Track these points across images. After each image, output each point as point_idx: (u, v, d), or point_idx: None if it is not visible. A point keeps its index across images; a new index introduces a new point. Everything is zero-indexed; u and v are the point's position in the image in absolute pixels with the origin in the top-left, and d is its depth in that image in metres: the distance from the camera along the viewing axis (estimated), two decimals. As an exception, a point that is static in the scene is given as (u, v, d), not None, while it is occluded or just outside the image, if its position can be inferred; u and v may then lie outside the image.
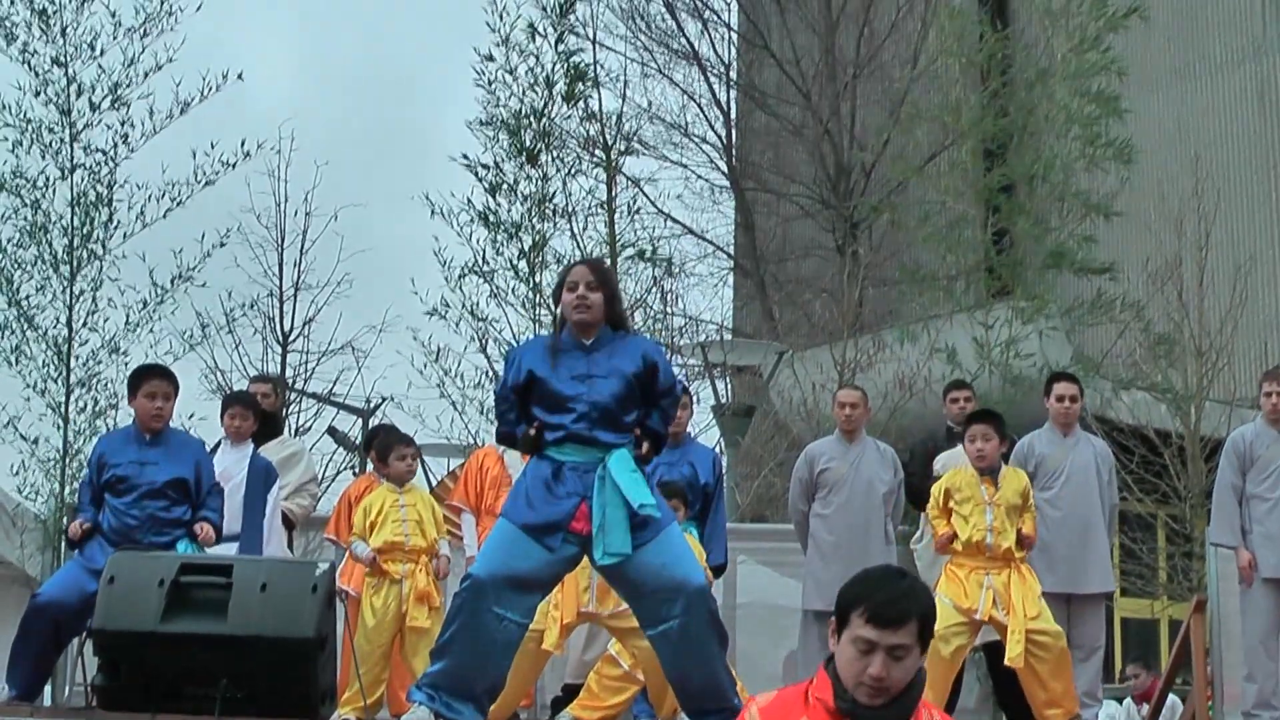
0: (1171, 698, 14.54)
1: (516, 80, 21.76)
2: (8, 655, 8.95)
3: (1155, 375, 21.40)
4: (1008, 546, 9.59)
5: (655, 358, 7.78)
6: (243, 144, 18.73)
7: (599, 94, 23.58)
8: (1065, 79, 21.13)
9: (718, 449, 18.34)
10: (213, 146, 18.44)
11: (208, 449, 10.16)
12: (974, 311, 20.95)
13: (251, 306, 21.26)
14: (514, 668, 7.90)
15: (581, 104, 22.55)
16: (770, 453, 23.51)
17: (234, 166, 18.76)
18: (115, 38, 17.98)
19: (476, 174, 21.54)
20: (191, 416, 16.91)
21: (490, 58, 21.90)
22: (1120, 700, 17.84)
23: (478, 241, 21.38)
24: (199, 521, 9.17)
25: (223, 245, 18.83)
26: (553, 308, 8.21)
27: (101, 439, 9.96)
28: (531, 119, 21.55)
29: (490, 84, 21.82)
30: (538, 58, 21.80)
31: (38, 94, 17.82)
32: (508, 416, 7.73)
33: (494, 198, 21.37)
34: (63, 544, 13.36)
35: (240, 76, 18.68)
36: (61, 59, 17.83)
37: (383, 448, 10.72)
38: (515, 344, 20.68)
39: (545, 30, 21.96)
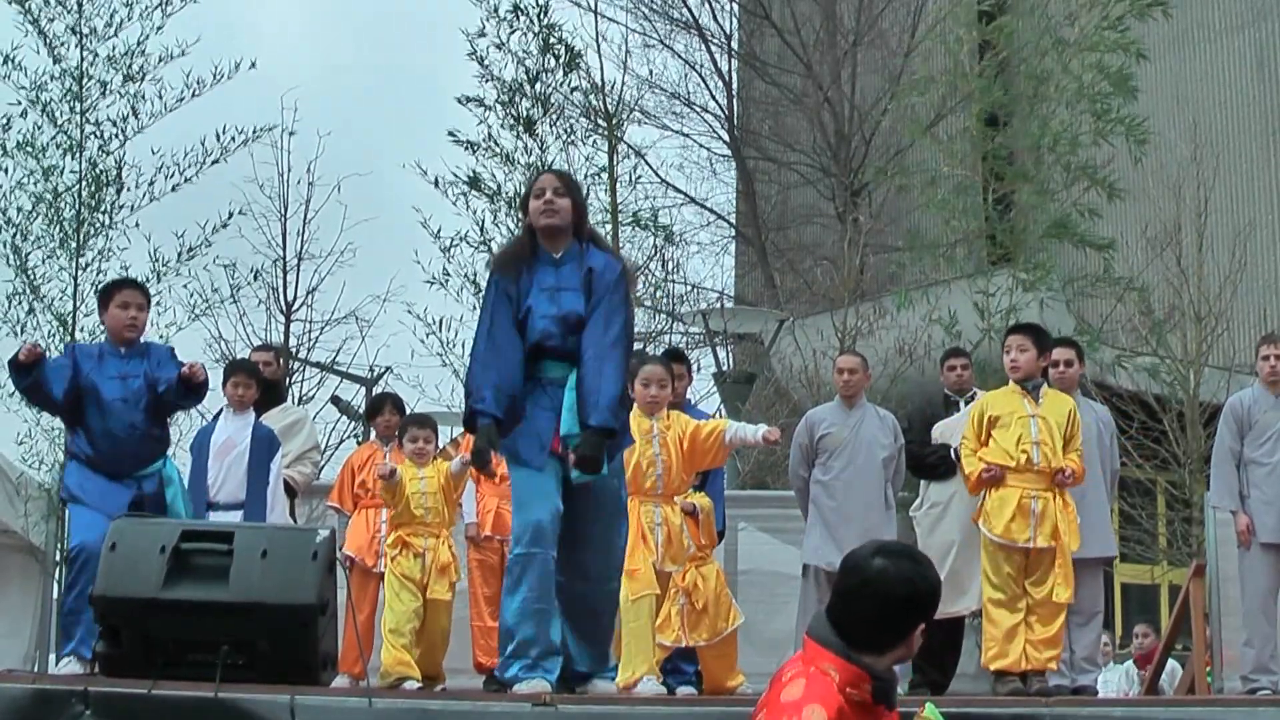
0: (1171, 662, 14.58)
1: (509, 53, 21.84)
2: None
3: (1155, 345, 21.40)
4: (1056, 466, 9.62)
5: (596, 271, 7.85)
6: (237, 132, 18.87)
7: (600, 63, 23.58)
8: (1082, 51, 21.03)
9: (717, 416, 18.35)
10: (223, 131, 18.70)
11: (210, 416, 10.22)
12: (975, 278, 20.92)
13: (256, 277, 21.35)
14: None
15: (578, 72, 22.56)
16: (771, 420, 23.41)
17: (249, 142, 19.07)
18: (130, 18, 18.13)
19: (469, 148, 21.60)
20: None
21: (482, 33, 21.96)
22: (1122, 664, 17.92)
23: (475, 212, 21.43)
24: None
25: (224, 226, 19.01)
26: (521, 218, 8.27)
27: (75, 345, 9.97)
28: (526, 88, 21.58)
29: (482, 61, 21.90)
30: (526, 30, 21.86)
31: (56, 60, 17.92)
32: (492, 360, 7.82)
33: (490, 171, 21.45)
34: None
35: (253, 65, 18.95)
36: (77, 29, 17.94)
37: (401, 427, 10.82)
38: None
39: (528, 7, 22.03)
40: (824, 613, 4.65)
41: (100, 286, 9.94)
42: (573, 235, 7.93)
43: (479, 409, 7.78)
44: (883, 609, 4.53)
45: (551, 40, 22.04)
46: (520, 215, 8.30)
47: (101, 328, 9.83)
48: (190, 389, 9.22)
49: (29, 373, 9.04)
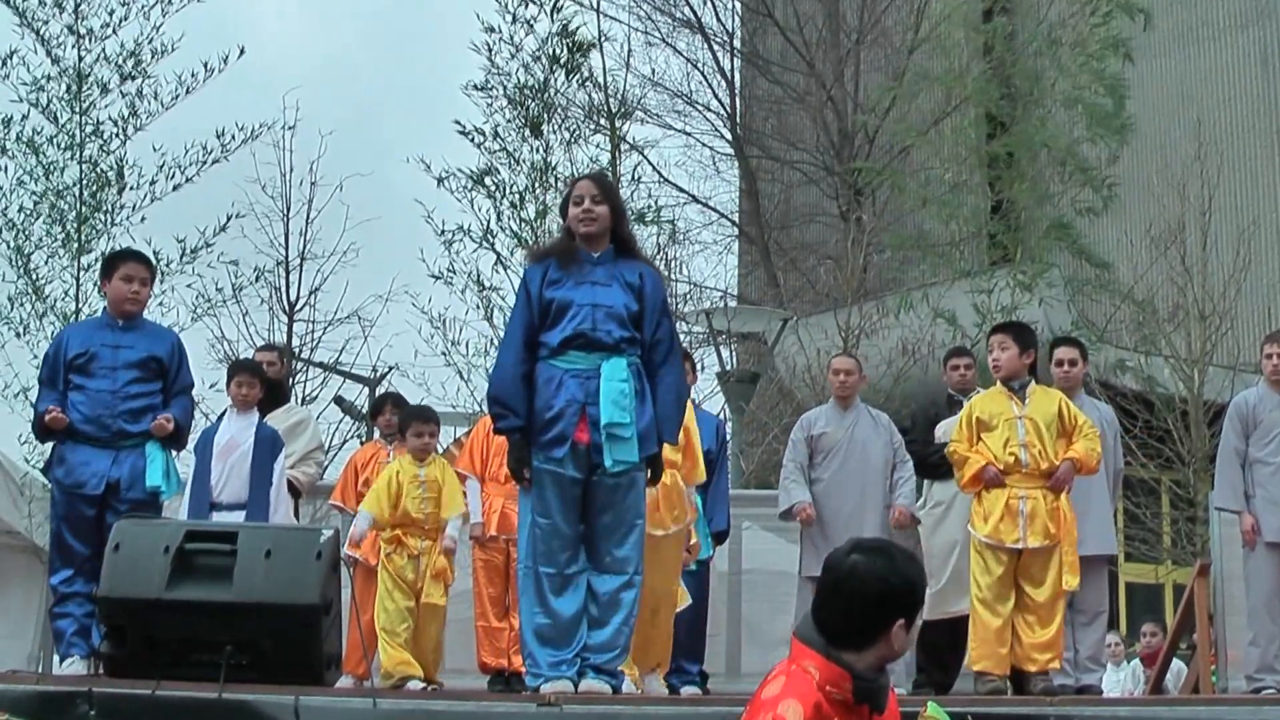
0: (1176, 662, 14.56)
1: (519, 52, 21.81)
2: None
3: (1161, 346, 21.42)
4: (1046, 467, 9.58)
5: (646, 281, 7.96)
6: (238, 130, 18.90)
7: (603, 61, 23.55)
8: (1074, 48, 21.03)
9: (722, 415, 18.36)
10: (223, 131, 18.74)
11: (214, 418, 10.19)
12: (975, 278, 20.92)
13: (259, 277, 21.35)
14: None
15: (583, 73, 22.54)
16: (775, 419, 23.50)
17: (249, 140, 19.13)
18: (127, 18, 18.18)
19: (474, 140, 21.60)
20: (212, 387, 16.93)
21: (493, 29, 21.93)
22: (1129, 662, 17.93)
23: (480, 210, 21.41)
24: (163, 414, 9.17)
25: (224, 230, 19.06)
26: (561, 223, 8.32)
27: (68, 327, 9.90)
28: (533, 90, 21.56)
29: (491, 54, 21.88)
30: (537, 32, 21.83)
31: (55, 62, 17.96)
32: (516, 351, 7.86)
33: (495, 170, 21.43)
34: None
35: (242, 52, 18.98)
36: (76, 29, 17.99)
37: (402, 421, 10.78)
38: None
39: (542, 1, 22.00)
40: (810, 612, 4.70)
41: (105, 257, 9.88)
42: (610, 238, 8.03)
43: (505, 427, 7.87)
44: (856, 606, 4.56)
45: (567, 31, 21.98)
46: (560, 218, 8.32)
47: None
48: (166, 441, 9.24)
49: (54, 433, 9.11)
